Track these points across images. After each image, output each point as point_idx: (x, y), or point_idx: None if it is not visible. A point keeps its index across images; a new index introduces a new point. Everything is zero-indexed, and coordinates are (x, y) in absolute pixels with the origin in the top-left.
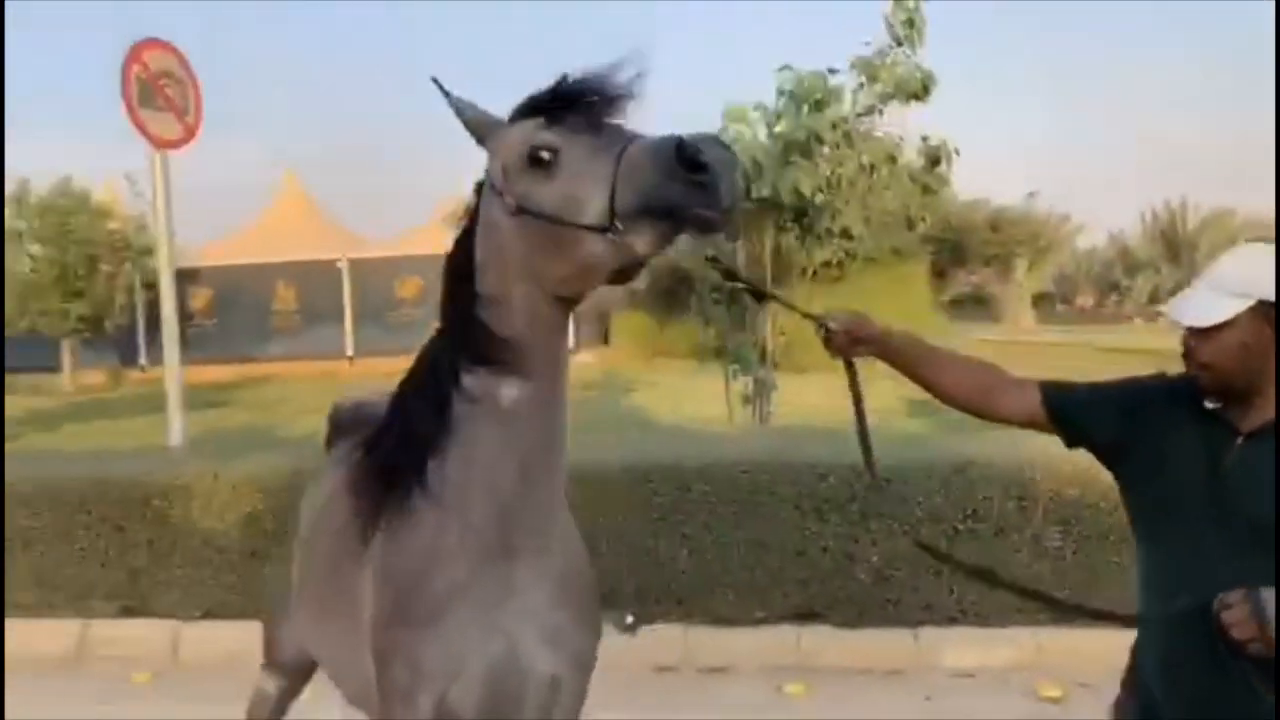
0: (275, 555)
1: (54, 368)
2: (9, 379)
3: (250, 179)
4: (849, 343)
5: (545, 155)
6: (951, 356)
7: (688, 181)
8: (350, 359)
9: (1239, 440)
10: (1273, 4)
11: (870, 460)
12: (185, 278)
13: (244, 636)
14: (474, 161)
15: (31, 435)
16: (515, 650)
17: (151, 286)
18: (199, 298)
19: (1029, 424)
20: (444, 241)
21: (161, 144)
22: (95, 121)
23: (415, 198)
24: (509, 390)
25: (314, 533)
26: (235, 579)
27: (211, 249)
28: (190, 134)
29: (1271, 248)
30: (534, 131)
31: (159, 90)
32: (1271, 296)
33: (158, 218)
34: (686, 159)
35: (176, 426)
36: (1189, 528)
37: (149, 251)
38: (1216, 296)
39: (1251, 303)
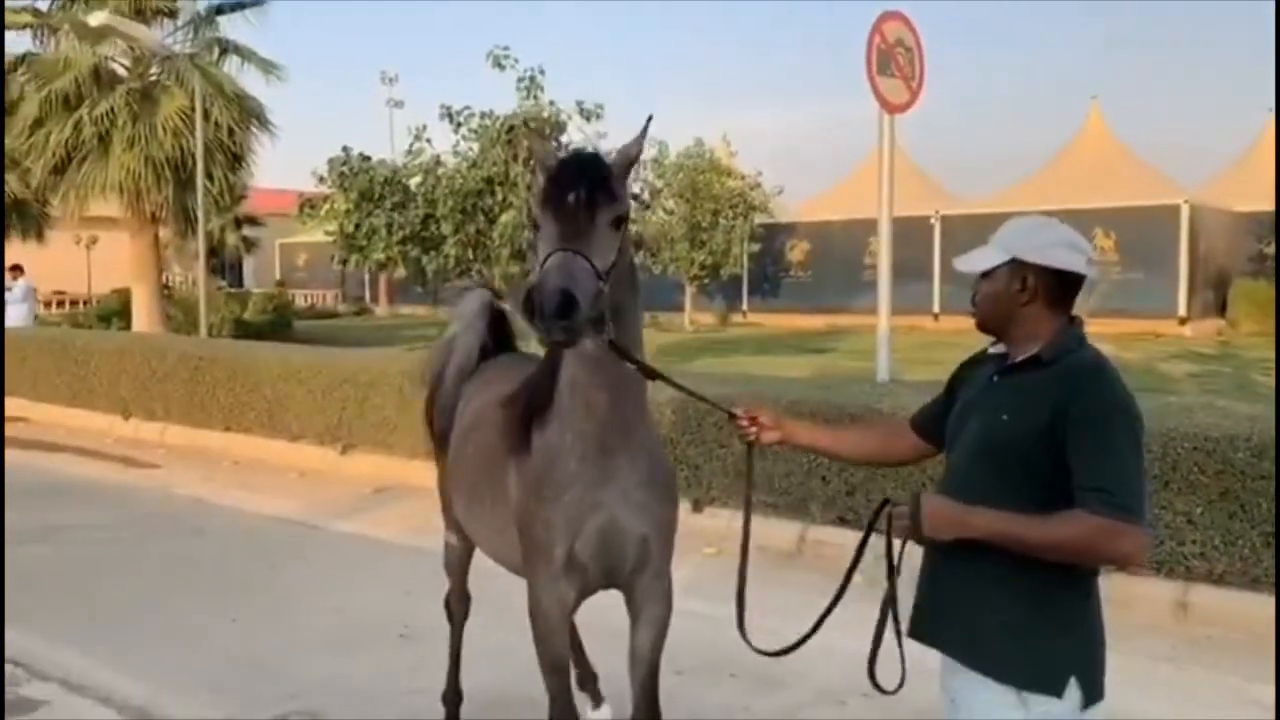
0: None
1: (679, 307)
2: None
3: (852, 134)
4: (759, 432)
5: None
6: (845, 429)
7: (527, 317)
8: (936, 315)
9: (995, 377)
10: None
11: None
12: (784, 232)
13: None
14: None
15: (676, 363)
16: (615, 518)
17: (756, 240)
18: (796, 250)
19: (922, 457)
20: (1042, 198)
21: (892, 108)
22: (717, 89)
23: (1015, 156)
24: (589, 343)
25: (464, 438)
26: None
27: (810, 205)
28: (914, 98)
29: (1045, 221)
30: (537, 202)
31: (894, 58)
32: (1026, 258)
33: (881, 176)
34: (530, 304)
35: (883, 363)
36: (955, 447)
37: (758, 208)
38: (989, 250)
39: (1008, 259)
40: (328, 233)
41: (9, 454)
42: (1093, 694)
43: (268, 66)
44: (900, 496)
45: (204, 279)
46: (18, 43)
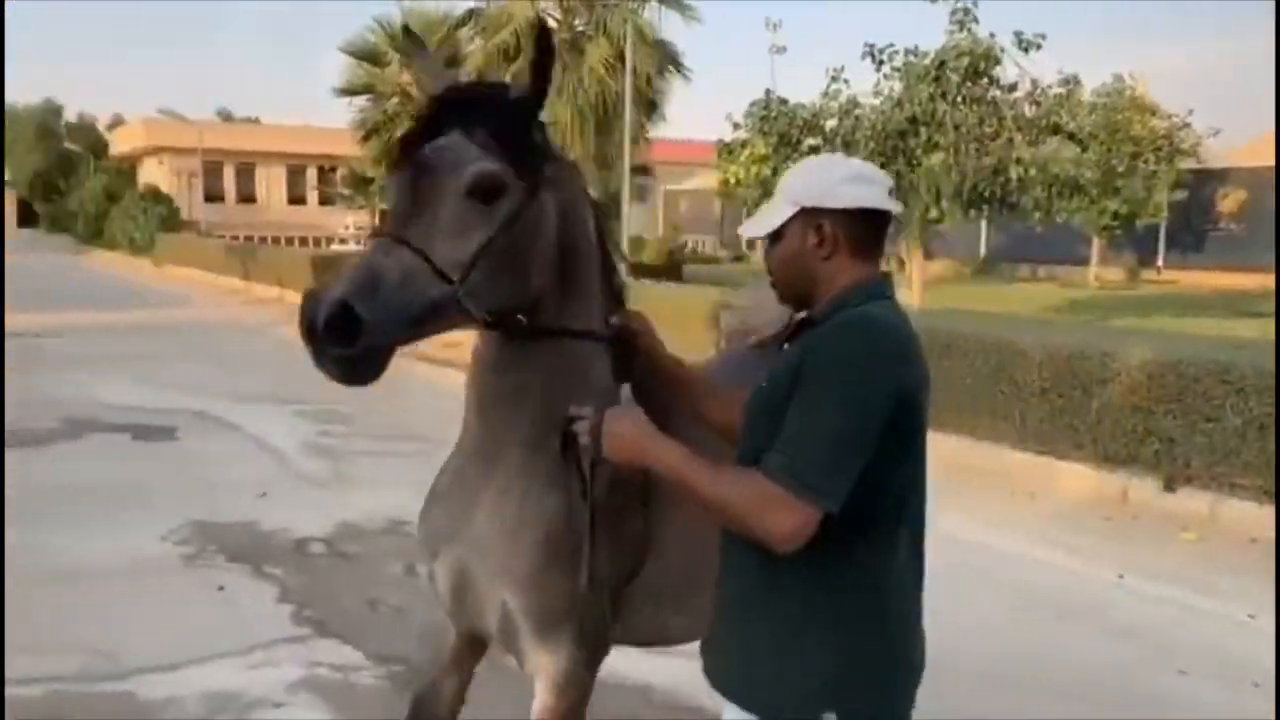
0: None
1: (1081, 260)
2: (1042, 268)
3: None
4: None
5: None
6: (712, 384)
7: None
8: None
9: (784, 345)
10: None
11: None
12: (1215, 179)
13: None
14: None
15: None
16: (467, 565)
17: (1181, 187)
18: (1229, 200)
19: None
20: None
21: None
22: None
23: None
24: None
25: None
26: None
27: (1248, 150)
28: None
29: (828, 159)
30: None
31: None
32: (811, 203)
33: None
34: (301, 317)
35: None
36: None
37: (1185, 152)
38: (774, 208)
39: (794, 210)
40: (739, 181)
41: None
42: None
43: (685, 10)
44: (585, 410)
45: (627, 223)
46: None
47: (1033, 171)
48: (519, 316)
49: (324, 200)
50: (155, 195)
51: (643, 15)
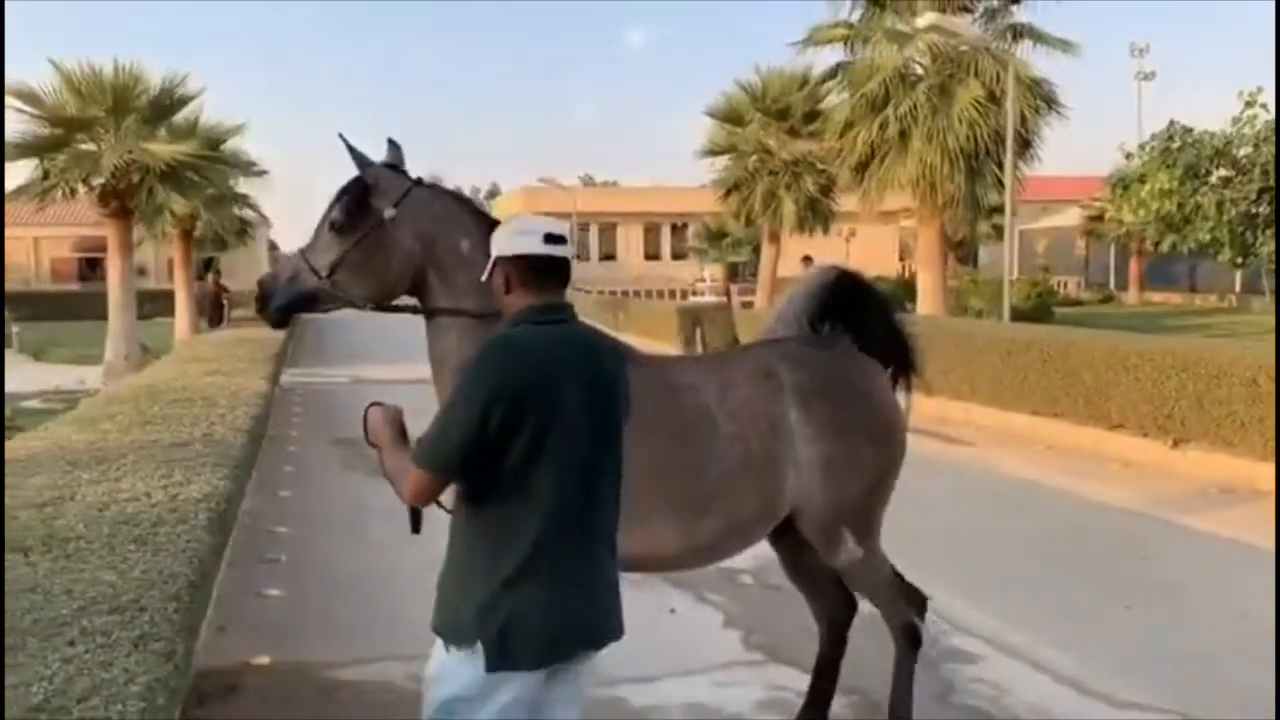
0: None
1: None
2: None
3: None
4: None
5: None
6: None
7: None
8: None
9: None
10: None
11: None
12: None
13: None
14: None
15: None
16: None
17: None
18: None
19: None
20: None
21: None
22: None
23: None
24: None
25: None
26: None
27: None
28: None
29: (513, 216)
30: None
31: None
32: (496, 252)
33: None
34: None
35: None
36: None
37: None
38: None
39: (494, 258)
40: (1124, 220)
41: None
42: (501, 663)
43: (1064, 45)
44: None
45: (1008, 264)
46: (830, 56)
47: None
48: (402, 304)
49: (677, 255)
50: None
51: (1014, 54)
